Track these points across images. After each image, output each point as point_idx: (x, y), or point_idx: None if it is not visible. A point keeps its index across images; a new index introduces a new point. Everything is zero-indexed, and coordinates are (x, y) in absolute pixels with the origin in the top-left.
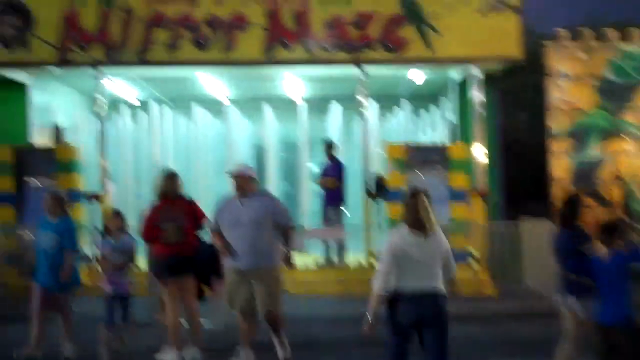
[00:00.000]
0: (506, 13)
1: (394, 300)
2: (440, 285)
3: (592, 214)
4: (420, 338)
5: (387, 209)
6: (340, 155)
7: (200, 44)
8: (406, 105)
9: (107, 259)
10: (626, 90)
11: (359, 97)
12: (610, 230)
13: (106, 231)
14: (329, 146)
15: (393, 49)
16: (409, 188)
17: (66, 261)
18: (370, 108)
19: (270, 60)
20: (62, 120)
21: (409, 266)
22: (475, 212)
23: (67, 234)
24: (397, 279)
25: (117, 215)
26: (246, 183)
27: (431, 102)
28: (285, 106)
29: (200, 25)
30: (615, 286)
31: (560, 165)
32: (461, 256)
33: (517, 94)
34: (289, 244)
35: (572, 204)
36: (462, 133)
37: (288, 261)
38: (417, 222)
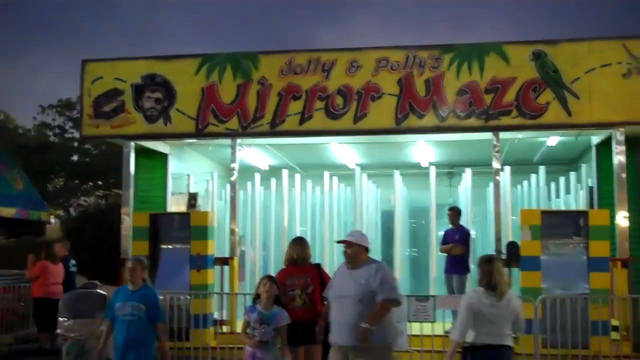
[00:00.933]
0: None
1: (469, 351)
2: (509, 342)
3: None
4: None
5: (520, 277)
6: (470, 222)
7: (332, 114)
8: (542, 171)
9: (251, 332)
10: None
11: (493, 164)
12: None
13: (256, 298)
14: (455, 212)
15: (530, 115)
16: (484, 255)
17: (159, 332)
18: (504, 174)
19: (401, 128)
20: (197, 188)
21: (483, 323)
22: (618, 281)
23: (154, 303)
24: (472, 334)
25: (271, 280)
26: (356, 253)
27: (568, 167)
28: (415, 172)
29: (332, 95)
30: None
31: None
32: (603, 327)
33: None
34: (372, 318)
35: None
36: (601, 198)
37: (363, 338)
38: (491, 285)
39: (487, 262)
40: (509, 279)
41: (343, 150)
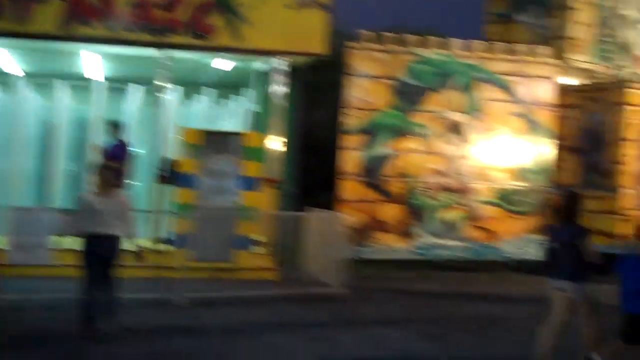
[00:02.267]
0: (315, 10)
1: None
2: (117, 232)
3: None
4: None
5: (177, 194)
6: (137, 139)
7: None
8: (210, 93)
9: None
10: (419, 93)
11: (160, 82)
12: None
13: None
14: (114, 126)
15: (200, 35)
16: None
17: None
18: (172, 93)
19: (68, 35)
20: None
21: (93, 216)
22: (266, 200)
23: None
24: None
25: None
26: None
27: (235, 91)
28: (81, 84)
29: None
30: None
31: (351, 160)
32: (247, 243)
33: (319, 90)
34: None
35: (572, 201)
36: (262, 123)
37: None
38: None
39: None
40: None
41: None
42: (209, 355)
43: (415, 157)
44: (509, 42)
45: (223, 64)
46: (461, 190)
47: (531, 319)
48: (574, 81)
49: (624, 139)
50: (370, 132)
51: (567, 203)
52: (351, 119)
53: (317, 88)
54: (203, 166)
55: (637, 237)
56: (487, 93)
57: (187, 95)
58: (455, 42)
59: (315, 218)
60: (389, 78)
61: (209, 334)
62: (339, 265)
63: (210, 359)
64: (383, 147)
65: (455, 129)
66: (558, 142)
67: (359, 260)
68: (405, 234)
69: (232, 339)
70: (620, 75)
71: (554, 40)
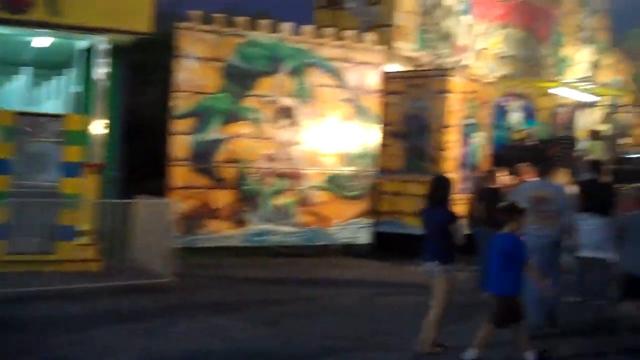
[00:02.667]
0: None
1: None
2: None
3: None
4: None
5: None
6: None
7: None
8: (28, 72)
9: None
10: (250, 77)
11: None
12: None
13: None
14: None
15: (16, 9)
16: None
17: None
18: None
19: None
20: None
21: None
22: (89, 187)
23: None
24: None
25: None
26: None
27: (57, 71)
28: None
29: None
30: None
31: (181, 145)
32: (70, 233)
33: (148, 71)
34: None
35: (441, 185)
36: (85, 105)
37: None
38: None
39: None
40: None
41: None
42: (15, 351)
43: (246, 142)
44: (337, 28)
45: (41, 41)
46: (292, 176)
47: (361, 302)
48: (399, 68)
49: (446, 126)
50: (200, 116)
51: (435, 187)
52: (180, 103)
53: (145, 69)
54: (16, 150)
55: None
56: (317, 78)
57: (4, 74)
58: (286, 26)
59: (143, 205)
60: (218, 60)
61: (20, 330)
62: (169, 254)
63: (16, 356)
64: (213, 132)
65: (286, 113)
66: (384, 127)
67: (190, 249)
68: (238, 220)
69: (47, 334)
70: (442, 63)
71: (380, 28)
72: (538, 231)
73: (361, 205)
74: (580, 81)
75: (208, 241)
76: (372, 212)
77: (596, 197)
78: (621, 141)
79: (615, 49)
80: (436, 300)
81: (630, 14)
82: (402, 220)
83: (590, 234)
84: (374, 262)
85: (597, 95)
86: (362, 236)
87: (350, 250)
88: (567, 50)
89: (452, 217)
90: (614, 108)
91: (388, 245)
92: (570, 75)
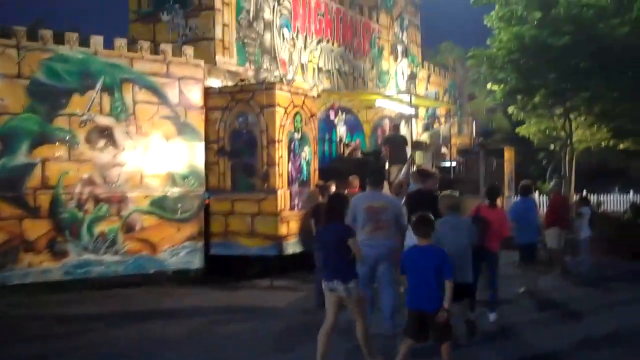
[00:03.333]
0: None
1: None
2: None
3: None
4: None
5: None
6: None
7: None
8: None
9: None
10: (60, 95)
11: None
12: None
13: None
14: None
15: None
16: None
17: None
18: None
19: None
20: None
21: None
22: None
23: None
24: None
25: None
26: None
27: None
28: None
29: None
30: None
31: None
32: None
33: None
34: None
35: (337, 202)
36: None
37: None
38: None
39: None
40: None
41: None
42: None
43: (60, 165)
44: (154, 42)
45: None
46: (114, 200)
47: (193, 333)
48: (222, 83)
49: (274, 141)
50: (4, 139)
51: (331, 205)
52: None
53: None
54: None
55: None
56: (135, 95)
57: None
58: (98, 40)
59: None
60: (23, 77)
61: None
62: None
63: None
64: (21, 156)
65: (103, 133)
66: (209, 145)
67: (4, 286)
68: (56, 252)
69: None
70: (265, 78)
71: (200, 41)
72: (372, 241)
73: (191, 228)
74: (400, 93)
75: (24, 277)
76: (203, 235)
77: (423, 208)
78: (441, 151)
79: (428, 62)
80: (357, 317)
81: (441, 28)
82: (235, 240)
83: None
84: (208, 287)
85: (417, 106)
86: (194, 261)
87: (182, 277)
88: (386, 64)
89: (350, 232)
90: (432, 119)
91: (222, 269)
92: (391, 88)
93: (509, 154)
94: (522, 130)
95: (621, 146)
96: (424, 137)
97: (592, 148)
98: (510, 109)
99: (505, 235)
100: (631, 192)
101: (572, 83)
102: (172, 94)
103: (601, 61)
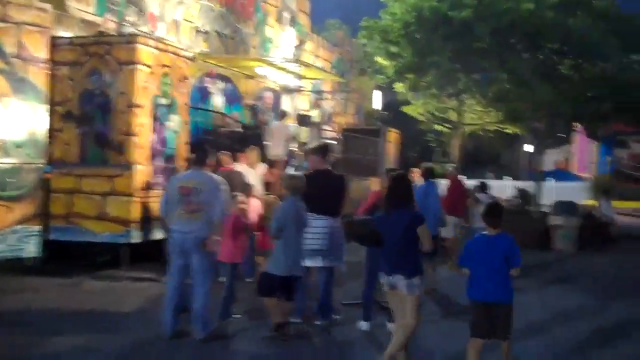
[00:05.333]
0: None
1: None
2: None
3: None
4: None
5: None
6: None
7: None
8: None
9: None
10: None
11: None
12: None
13: None
14: None
15: None
16: None
17: None
18: None
19: None
20: None
21: None
22: None
23: None
24: None
25: None
26: None
27: None
28: None
29: None
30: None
31: None
32: None
33: None
34: None
35: (402, 184)
36: None
37: None
38: None
39: None
40: None
41: None
42: None
43: None
44: None
45: None
46: None
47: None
48: (74, 34)
49: (135, 105)
50: None
51: (396, 187)
52: None
53: None
54: None
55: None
56: None
57: None
58: None
59: None
60: None
61: None
62: None
63: None
64: None
65: None
66: (54, 108)
67: None
68: None
69: None
70: (129, 30)
71: None
72: (183, 227)
73: (25, 208)
74: (285, 62)
75: None
76: (41, 217)
77: (325, 191)
78: (326, 128)
79: (316, 35)
80: (410, 316)
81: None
82: (81, 225)
83: (318, 238)
84: (42, 281)
85: (303, 78)
86: (29, 247)
87: (14, 266)
88: (271, 31)
89: (418, 220)
90: (319, 94)
91: (63, 257)
92: (275, 57)
93: (393, 135)
94: (409, 110)
95: (509, 131)
96: (311, 112)
97: (479, 132)
98: (399, 87)
99: None
100: (506, 178)
101: (466, 63)
102: (9, 43)
103: (500, 40)
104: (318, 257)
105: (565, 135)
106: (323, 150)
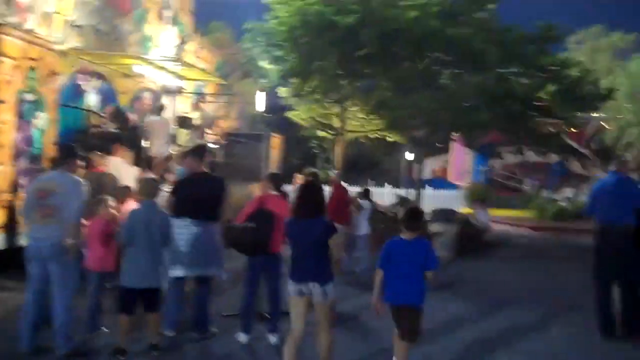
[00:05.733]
0: None
1: None
2: None
3: None
4: None
5: None
6: None
7: None
8: None
9: None
10: None
11: None
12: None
13: None
14: None
15: None
16: None
17: None
18: None
19: None
20: None
21: None
22: None
23: None
24: None
25: None
26: None
27: None
28: None
29: None
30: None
31: None
32: None
33: None
34: None
35: (314, 191)
36: None
37: None
38: None
39: None
40: None
41: None
42: None
43: None
44: None
45: None
46: None
47: None
48: None
49: None
50: None
51: (306, 195)
52: None
53: None
54: None
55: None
56: None
57: None
58: None
59: None
60: None
61: None
62: None
63: None
64: None
65: None
66: None
67: None
68: None
69: None
70: None
71: None
72: (38, 233)
73: None
74: (166, 61)
75: None
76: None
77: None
78: (208, 131)
79: (199, 36)
80: (324, 325)
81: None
82: None
83: (191, 245)
84: None
85: (184, 79)
86: None
87: None
88: (151, 29)
89: (333, 230)
90: (201, 96)
91: None
92: (155, 55)
93: (276, 140)
94: (293, 115)
95: (390, 139)
96: (192, 114)
97: (361, 139)
98: (283, 91)
99: None
100: (387, 186)
101: (350, 70)
102: None
103: (383, 47)
104: (191, 266)
105: (443, 145)
106: (200, 151)
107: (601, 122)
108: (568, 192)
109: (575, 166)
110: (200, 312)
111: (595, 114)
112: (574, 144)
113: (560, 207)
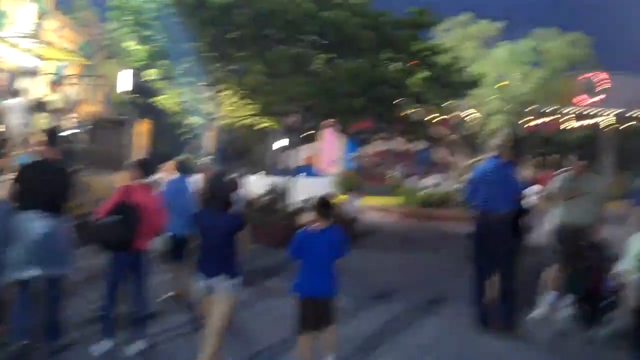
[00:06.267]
0: None
1: None
2: None
3: None
4: None
5: None
6: None
7: None
8: None
9: None
10: None
11: None
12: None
13: None
14: None
15: None
16: None
17: None
18: None
19: None
20: None
21: None
22: None
23: None
24: None
25: None
26: None
27: None
28: None
29: None
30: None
31: None
32: None
33: None
34: None
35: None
36: None
37: None
38: None
39: None
40: None
41: None
42: None
43: None
44: None
45: None
46: None
47: None
48: None
49: None
50: None
51: (214, 187)
52: None
53: None
54: None
55: None
56: None
57: None
58: None
59: None
60: None
61: None
62: None
63: None
64: None
65: None
66: None
67: None
68: None
69: None
70: None
71: None
72: None
73: None
74: (21, 37)
75: None
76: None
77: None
78: (69, 116)
79: (61, 14)
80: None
81: None
82: None
83: (39, 242)
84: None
85: (43, 58)
86: None
87: None
88: (6, 4)
89: (241, 226)
90: (60, 78)
91: None
92: (11, 33)
93: (144, 126)
94: (162, 100)
95: (261, 126)
96: (51, 97)
97: (234, 126)
98: (150, 73)
99: (161, 225)
100: (259, 173)
101: (223, 52)
102: None
103: (258, 29)
104: (34, 266)
105: (315, 131)
106: (50, 135)
107: (468, 109)
108: (434, 178)
109: (443, 153)
110: (51, 318)
111: (462, 101)
112: (443, 131)
113: (426, 194)
